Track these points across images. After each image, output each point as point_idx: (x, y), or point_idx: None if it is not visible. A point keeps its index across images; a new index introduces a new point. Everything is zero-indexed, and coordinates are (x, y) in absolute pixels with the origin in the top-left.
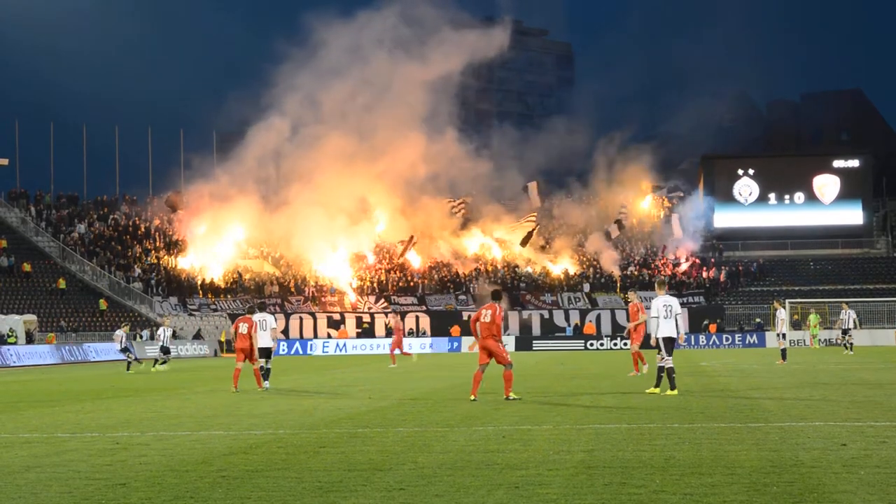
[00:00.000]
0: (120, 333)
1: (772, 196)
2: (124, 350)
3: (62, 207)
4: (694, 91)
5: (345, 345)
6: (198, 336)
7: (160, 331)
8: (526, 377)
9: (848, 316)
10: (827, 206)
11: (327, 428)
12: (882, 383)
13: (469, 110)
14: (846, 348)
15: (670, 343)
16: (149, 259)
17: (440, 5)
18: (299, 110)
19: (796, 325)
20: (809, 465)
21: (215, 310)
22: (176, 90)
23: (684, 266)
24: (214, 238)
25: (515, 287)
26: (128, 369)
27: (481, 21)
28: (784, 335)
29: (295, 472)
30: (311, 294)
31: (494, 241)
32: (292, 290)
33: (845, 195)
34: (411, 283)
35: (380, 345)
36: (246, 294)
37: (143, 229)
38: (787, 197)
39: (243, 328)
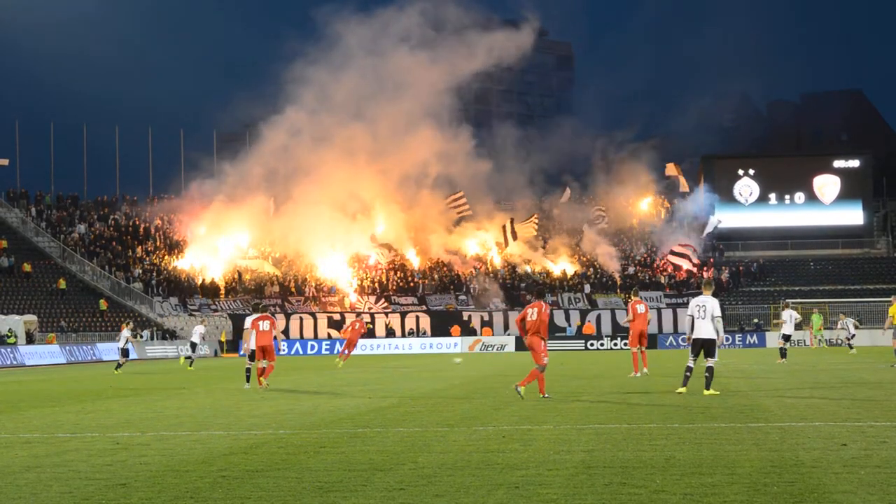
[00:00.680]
0: (126, 333)
1: (772, 196)
2: (123, 350)
3: (62, 208)
4: (694, 91)
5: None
6: None
7: (194, 329)
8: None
9: (848, 324)
10: (827, 206)
11: (327, 428)
12: (882, 383)
13: (469, 110)
14: (850, 348)
15: (697, 344)
16: (150, 259)
17: (458, 5)
18: (304, 108)
19: (797, 325)
20: (810, 465)
21: (215, 310)
22: (176, 90)
23: (685, 265)
24: (215, 238)
25: (515, 287)
26: (116, 368)
27: (503, 23)
28: (787, 336)
29: (295, 472)
30: (311, 294)
31: (495, 244)
32: (292, 290)
33: (846, 195)
34: (411, 283)
35: (380, 345)
36: (246, 294)
37: (143, 230)
38: (787, 197)
39: (264, 325)
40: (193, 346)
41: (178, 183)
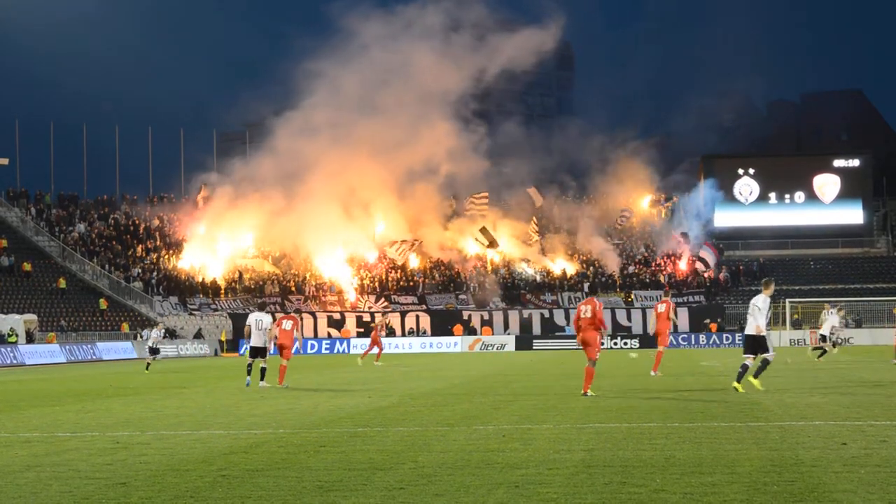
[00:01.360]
0: (156, 333)
1: (772, 195)
2: (153, 350)
3: (62, 207)
4: (694, 91)
5: (346, 344)
6: (198, 335)
7: (152, 333)
8: (527, 376)
9: (831, 317)
10: (827, 205)
11: (327, 427)
12: (882, 382)
13: (468, 110)
14: (833, 346)
15: (748, 341)
16: (150, 258)
17: (481, 4)
18: (317, 104)
19: (797, 324)
20: (809, 464)
21: (216, 309)
22: (176, 90)
23: (683, 266)
24: (215, 237)
25: (515, 287)
26: (147, 368)
27: (525, 23)
28: (825, 336)
29: (295, 471)
30: (311, 293)
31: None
32: (292, 289)
33: (845, 195)
34: (412, 283)
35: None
36: (246, 293)
37: (142, 229)
38: (787, 196)
39: (287, 325)
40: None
41: (178, 182)
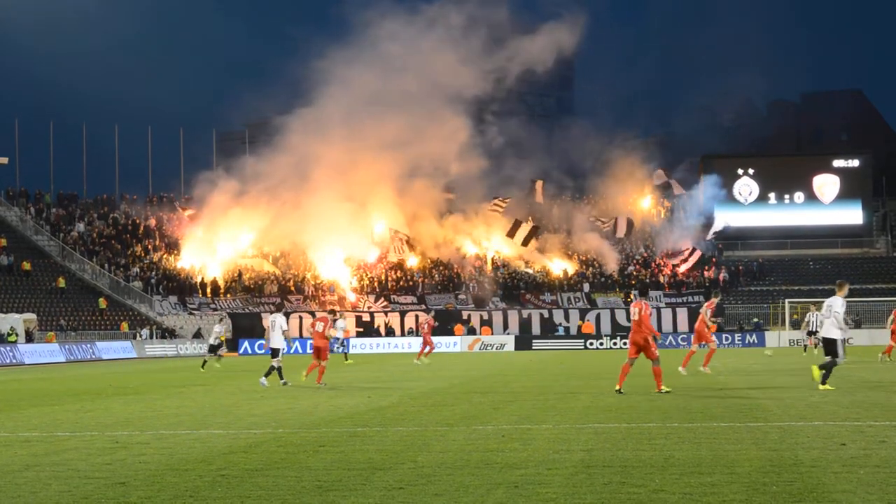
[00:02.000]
0: (219, 329)
1: (772, 196)
2: (216, 346)
3: (62, 206)
4: (694, 91)
5: (346, 343)
6: (197, 335)
7: (337, 324)
8: (526, 376)
9: (815, 318)
10: (827, 205)
11: (327, 427)
12: (882, 383)
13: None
14: (805, 350)
15: (827, 344)
16: (149, 257)
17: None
18: (326, 103)
19: (796, 324)
20: (809, 465)
21: (215, 309)
22: (176, 89)
23: (684, 267)
24: (215, 237)
25: (515, 287)
26: (202, 367)
27: (540, 23)
28: (811, 333)
29: (294, 470)
30: (310, 293)
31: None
32: (291, 289)
33: (845, 195)
34: (411, 283)
35: (379, 343)
36: (246, 293)
37: (142, 228)
38: (787, 197)
39: (319, 326)
40: (211, 347)
41: (178, 181)
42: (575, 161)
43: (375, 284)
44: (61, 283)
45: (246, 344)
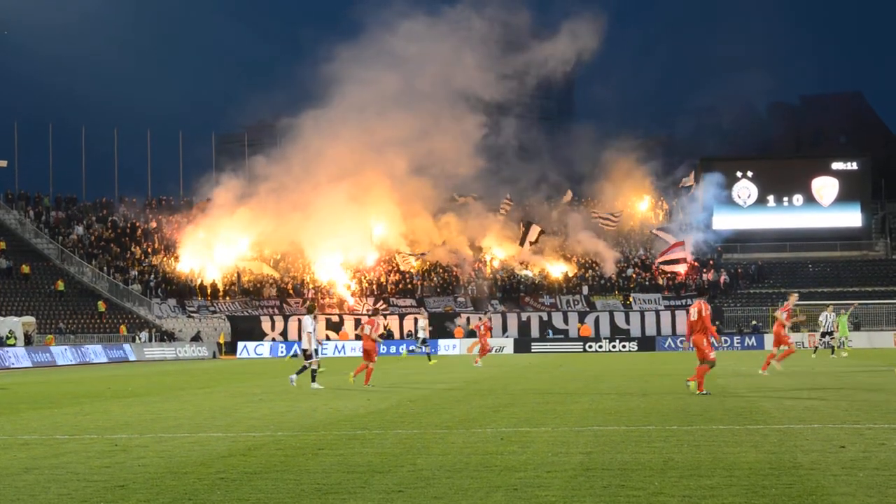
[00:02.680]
0: (423, 323)
1: (771, 198)
2: (423, 342)
3: (61, 209)
4: (693, 93)
5: (343, 346)
6: (196, 338)
7: (420, 323)
8: (525, 379)
9: (826, 319)
10: (826, 208)
11: (326, 430)
12: (881, 386)
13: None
14: (831, 350)
15: None
16: (148, 260)
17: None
18: (334, 106)
19: (796, 327)
20: (808, 468)
21: (214, 312)
22: (175, 93)
23: (682, 268)
24: (214, 240)
25: (514, 289)
26: (429, 360)
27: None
28: (826, 334)
29: (293, 474)
30: (310, 296)
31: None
32: (290, 291)
33: (844, 197)
34: (410, 285)
35: (378, 346)
36: (245, 296)
37: (141, 231)
38: (785, 199)
39: (367, 329)
40: (423, 340)
41: (177, 184)
42: (574, 163)
43: (374, 287)
44: (60, 286)
45: (245, 347)
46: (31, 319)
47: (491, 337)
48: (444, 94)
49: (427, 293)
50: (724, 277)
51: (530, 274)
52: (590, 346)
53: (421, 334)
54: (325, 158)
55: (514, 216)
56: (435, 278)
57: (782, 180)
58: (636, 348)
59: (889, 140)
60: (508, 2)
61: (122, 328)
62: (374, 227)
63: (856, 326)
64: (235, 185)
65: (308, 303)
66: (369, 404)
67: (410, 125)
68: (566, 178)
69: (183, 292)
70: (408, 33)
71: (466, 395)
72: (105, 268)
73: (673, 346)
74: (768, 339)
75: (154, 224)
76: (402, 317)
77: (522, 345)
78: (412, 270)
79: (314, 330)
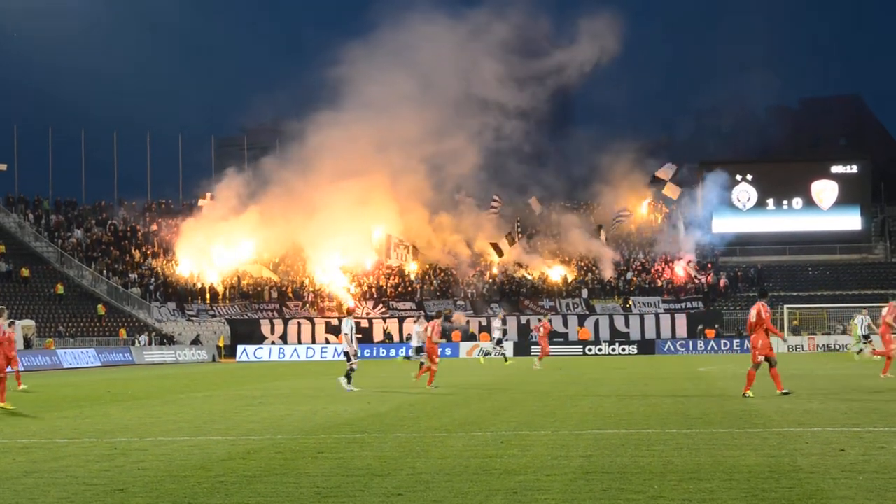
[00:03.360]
0: (499, 323)
1: (770, 201)
2: (497, 342)
3: (61, 213)
4: (692, 97)
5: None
6: (196, 341)
7: (494, 323)
8: (524, 382)
9: (862, 322)
10: (825, 211)
11: (325, 433)
12: (880, 389)
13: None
14: (861, 351)
15: None
16: (147, 264)
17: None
18: (309, 110)
19: (796, 330)
20: (808, 471)
21: (213, 315)
22: (174, 96)
23: (682, 271)
24: (214, 243)
25: (514, 292)
26: (505, 360)
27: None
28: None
29: (293, 477)
30: (309, 299)
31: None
32: (290, 295)
33: (844, 201)
34: (409, 289)
35: (378, 349)
36: (244, 299)
37: (140, 235)
38: (785, 202)
39: (429, 331)
40: (498, 341)
41: (177, 188)
42: (573, 166)
43: (374, 291)
44: (60, 289)
45: (245, 350)
46: (30, 323)
47: (549, 339)
48: (451, 97)
49: (426, 296)
50: (723, 281)
51: (529, 277)
52: (589, 350)
53: (496, 334)
54: (327, 160)
55: (507, 214)
56: (434, 281)
57: (782, 183)
58: (636, 352)
59: (888, 143)
60: (526, 8)
61: (122, 331)
62: (375, 230)
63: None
64: (235, 187)
65: (347, 307)
66: (368, 408)
67: (412, 126)
68: (565, 180)
69: (182, 296)
70: (416, 35)
71: (466, 399)
72: (104, 271)
73: (672, 349)
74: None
75: (154, 227)
76: (401, 320)
77: (522, 348)
78: (402, 268)
79: (352, 331)
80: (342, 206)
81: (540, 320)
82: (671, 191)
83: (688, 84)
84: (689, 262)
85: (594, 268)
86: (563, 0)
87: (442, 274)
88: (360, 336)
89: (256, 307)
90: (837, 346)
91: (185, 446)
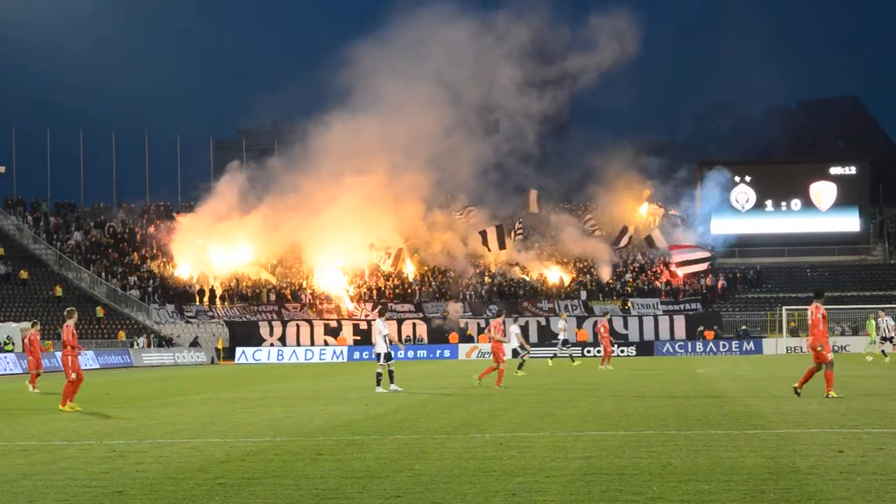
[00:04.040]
0: (563, 324)
1: (769, 203)
2: (563, 343)
3: (59, 215)
4: (691, 99)
5: (342, 352)
6: (195, 343)
7: (559, 325)
8: (523, 383)
9: (886, 324)
10: (824, 212)
11: (324, 435)
12: (879, 391)
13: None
14: (884, 355)
15: None
16: (146, 266)
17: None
18: (310, 112)
19: (794, 332)
20: (806, 472)
21: (212, 317)
22: (172, 97)
23: (681, 272)
24: (213, 245)
25: (513, 294)
26: (572, 361)
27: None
28: (887, 339)
29: (292, 479)
30: (308, 301)
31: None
32: (288, 297)
33: (842, 202)
34: (408, 291)
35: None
36: (243, 302)
37: (139, 237)
38: (783, 204)
39: (492, 331)
40: (564, 342)
41: (175, 190)
42: (572, 168)
43: (373, 293)
44: (58, 291)
45: (244, 352)
46: (27, 325)
47: (612, 340)
48: (456, 99)
49: (425, 298)
50: (722, 282)
51: (527, 279)
52: (588, 351)
53: (562, 336)
54: (330, 161)
55: (502, 216)
56: (433, 283)
57: (780, 185)
58: (634, 353)
59: (887, 144)
60: (539, 14)
61: (121, 333)
62: (374, 232)
63: (854, 331)
64: (234, 188)
65: (380, 306)
66: (367, 409)
67: (414, 127)
68: (564, 182)
69: (181, 298)
70: (427, 36)
71: (464, 400)
72: (103, 273)
73: (671, 350)
74: (767, 343)
75: (152, 229)
76: (400, 322)
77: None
78: (398, 271)
79: (386, 332)
80: (342, 207)
81: (599, 320)
82: (659, 241)
83: (687, 86)
84: (688, 261)
85: (592, 269)
86: (574, 4)
87: (441, 276)
88: (358, 338)
89: (255, 309)
90: (836, 348)
91: (183, 448)
